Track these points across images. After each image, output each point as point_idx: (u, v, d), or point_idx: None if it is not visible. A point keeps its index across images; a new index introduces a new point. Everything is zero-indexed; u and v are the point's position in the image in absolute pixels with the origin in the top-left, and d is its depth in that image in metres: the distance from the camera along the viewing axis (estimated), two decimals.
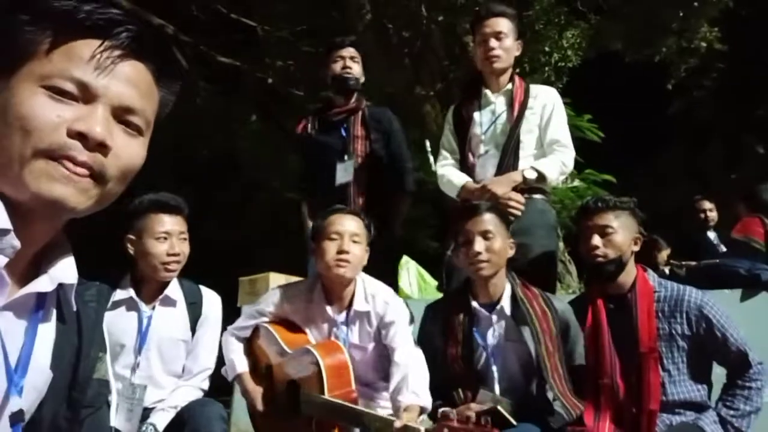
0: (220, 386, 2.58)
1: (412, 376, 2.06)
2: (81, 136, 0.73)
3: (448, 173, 2.80)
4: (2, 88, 0.74)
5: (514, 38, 2.77)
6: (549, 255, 2.64)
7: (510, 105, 2.73)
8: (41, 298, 0.83)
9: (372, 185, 3.04)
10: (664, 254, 5.71)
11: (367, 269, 2.35)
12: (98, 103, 0.76)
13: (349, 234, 2.26)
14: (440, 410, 2.09)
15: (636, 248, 2.23)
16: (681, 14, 7.30)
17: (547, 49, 7.32)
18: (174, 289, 2.32)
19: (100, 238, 2.55)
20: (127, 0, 4.33)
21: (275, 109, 9.04)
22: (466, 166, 2.79)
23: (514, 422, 1.97)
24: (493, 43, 2.71)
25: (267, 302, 2.39)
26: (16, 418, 0.79)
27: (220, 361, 2.39)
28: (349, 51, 3.12)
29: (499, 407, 1.99)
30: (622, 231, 2.19)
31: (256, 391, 2.31)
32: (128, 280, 2.29)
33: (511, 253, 2.26)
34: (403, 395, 2.01)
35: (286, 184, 8.99)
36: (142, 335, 2.22)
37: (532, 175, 2.58)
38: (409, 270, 5.42)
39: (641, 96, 9.51)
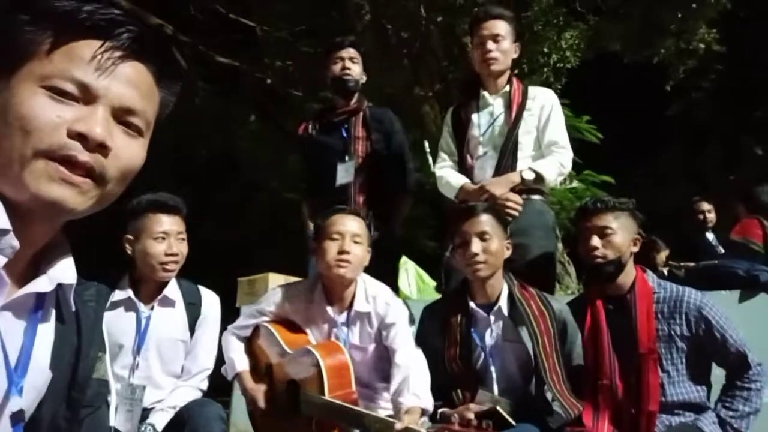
0: (220, 386, 2.58)
1: (413, 378, 2.05)
2: (81, 137, 0.73)
3: (447, 175, 2.81)
4: (2, 88, 0.74)
5: (511, 40, 2.78)
6: (547, 255, 2.64)
7: (508, 107, 2.74)
8: (40, 298, 0.83)
9: (373, 186, 3.03)
10: (663, 255, 5.72)
11: (367, 270, 2.35)
12: (98, 103, 0.76)
13: (350, 234, 2.25)
14: (439, 411, 2.10)
15: (635, 249, 2.23)
16: (679, 15, 7.31)
17: (545, 50, 7.33)
18: (173, 290, 2.32)
19: (99, 238, 2.54)
20: (125, 0, 4.32)
21: (274, 109, 9.04)
22: (464, 168, 2.80)
23: (513, 422, 1.97)
24: (490, 45, 2.72)
25: (268, 302, 2.38)
26: (17, 417, 0.79)
27: (220, 361, 2.39)
28: (349, 52, 3.12)
29: (498, 407, 1.99)
30: (621, 232, 2.20)
31: (257, 390, 2.29)
32: (127, 281, 2.29)
33: (507, 253, 2.27)
34: (404, 397, 2.01)
35: (285, 184, 9.00)
36: (140, 336, 2.22)
37: (530, 176, 2.59)
38: (408, 270, 5.42)
39: (640, 97, 9.53)
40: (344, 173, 3.00)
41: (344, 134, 3.10)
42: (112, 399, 1.53)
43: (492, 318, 2.21)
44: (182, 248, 2.28)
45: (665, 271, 5.32)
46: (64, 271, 0.83)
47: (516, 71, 2.93)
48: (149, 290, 2.29)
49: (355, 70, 3.11)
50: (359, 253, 2.26)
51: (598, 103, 7.15)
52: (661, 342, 2.11)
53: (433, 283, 5.60)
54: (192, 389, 2.26)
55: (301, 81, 8.19)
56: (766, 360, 2.13)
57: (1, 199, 0.73)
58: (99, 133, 0.74)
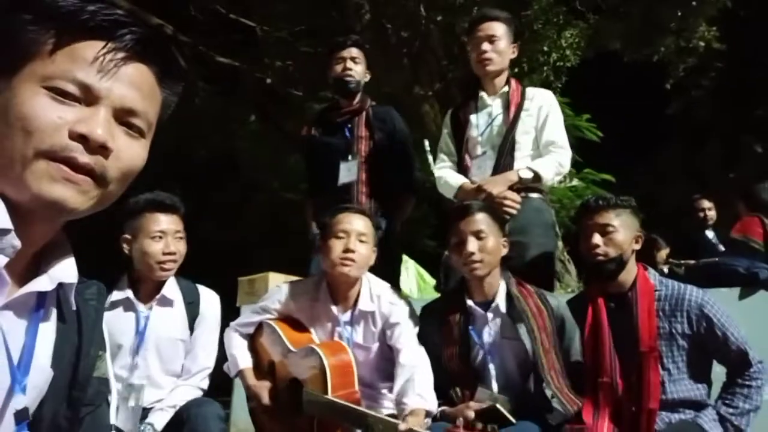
0: (220, 385, 2.57)
1: (418, 378, 2.04)
2: (82, 138, 0.73)
3: (446, 175, 2.83)
4: (4, 88, 0.74)
5: (508, 41, 2.80)
6: (546, 253, 2.65)
7: (506, 107, 2.77)
8: (41, 297, 0.83)
9: (376, 185, 3.03)
10: (663, 253, 5.72)
11: (369, 269, 2.34)
12: (100, 105, 0.76)
13: (356, 233, 2.25)
14: (439, 410, 2.09)
15: (637, 247, 2.23)
16: (679, 14, 7.30)
17: (545, 48, 7.33)
18: (171, 289, 2.32)
19: (100, 237, 2.55)
20: (125, 0, 4.32)
21: (274, 109, 9.04)
22: (463, 168, 2.82)
23: (513, 420, 1.97)
24: (485, 46, 2.75)
25: (272, 299, 2.37)
26: (21, 416, 0.79)
27: (220, 359, 2.39)
28: (351, 52, 3.10)
29: (497, 405, 1.99)
30: (623, 229, 2.19)
31: (260, 386, 2.28)
32: (125, 281, 2.29)
33: (504, 251, 2.27)
34: (408, 397, 1.99)
35: (285, 184, 9.01)
36: (139, 335, 2.22)
37: (527, 174, 2.61)
38: (409, 269, 5.43)
39: (640, 95, 9.53)
40: (347, 172, 3.00)
41: (347, 134, 3.09)
42: (113, 398, 1.53)
43: (490, 316, 2.21)
44: (180, 247, 2.28)
45: (665, 269, 5.31)
46: (65, 270, 0.83)
47: (516, 70, 2.94)
48: (148, 290, 2.29)
49: (357, 70, 3.10)
50: (364, 252, 2.25)
51: (598, 101, 7.16)
52: (662, 340, 2.11)
53: (433, 282, 5.61)
54: (192, 388, 2.26)
55: (301, 81, 8.19)
56: (766, 356, 2.13)
57: (2, 198, 0.73)
58: (100, 135, 0.74)
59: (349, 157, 3.02)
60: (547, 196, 2.83)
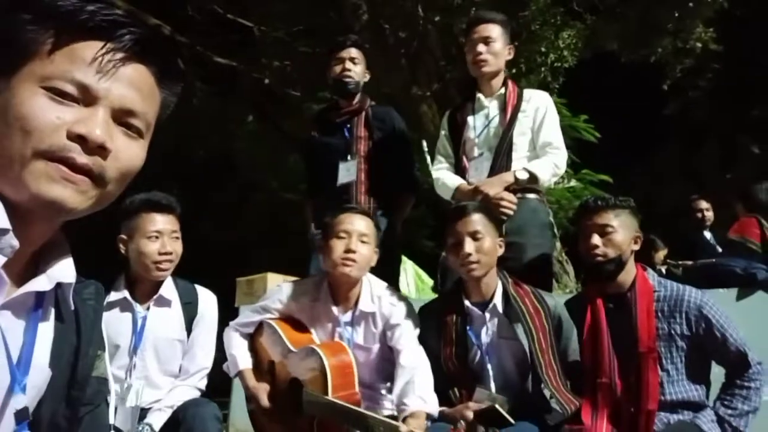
0: (218, 386, 2.57)
1: (418, 380, 2.04)
2: (81, 139, 0.73)
3: (443, 176, 2.85)
4: (3, 88, 0.74)
5: (503, 43, 2.82)
6: (543, 253, 2.66)
7: (503, 109, 2.79)
8: (40, 297, 0.83)
9: (375, 185, 3.03)
10: (661, 254, 5.73)
11: (370, 269, 2.34)
12: (99, 105, 0.76)
13: (357, 233, 2.24)
14: (438, 410, 2.09)
15: (636, 247, 2.23)
16: (676, 15, 7.31)
17: (543, 49, 7.33)
18: (169, 289, 2.31)
19: (98, 237, 2.54)
20: (123, 0, 4.32)
21: (272, 109, 9.03)
22: (460, 169, 2.84)
23: (512, 420, 1.97)
24: (480, 47, 2.78)
25: (273, 299, 2.36)
26: (21, 415, 0.79)
27: (218, 360, 2.38)
28: (350, 52, 3.10)
29: (496, 405, 1.99)
30: (621, 230, 2.20)
31: (259, 388, 2.27)
32: (122, 281, 2.28)
33: (501, 251, 2.27)
34: (409, 399, 1.99)
35: (284, 184, 9.00)
36: (137, 336, 2.21)
37: (524, 175, 2.62)
38: (407, 270, 5.42)
39: (637, 96, 9.55)
40: (346, 172, 3.00)
41: (346, 134, 3.10)
42: (111, 398, 1.53)
43: (487, 316, 2.22)
44: (176, 247, 2.27)
45: (663, 269, 5.33)
46: (63, 270, 0.83)
47: (513, 71, 2.97)
48: (145, 290, 2.28)
49: (356, 71, 3.10)
50: (366, 252, 2.24)
51: (596, 102, 7.17)
52: (661, 341, 2.11)
53: (431, 283, 5.61)
54: (190, 389, 2.26)
55: (299, 81, 8.18)
56: (763, 356, 2.13)
57: (1, 198, 0.73)
58: (99, 135, 0.74)
59: (349, 158, 3.02)
60: (544, 196, 2.84)
